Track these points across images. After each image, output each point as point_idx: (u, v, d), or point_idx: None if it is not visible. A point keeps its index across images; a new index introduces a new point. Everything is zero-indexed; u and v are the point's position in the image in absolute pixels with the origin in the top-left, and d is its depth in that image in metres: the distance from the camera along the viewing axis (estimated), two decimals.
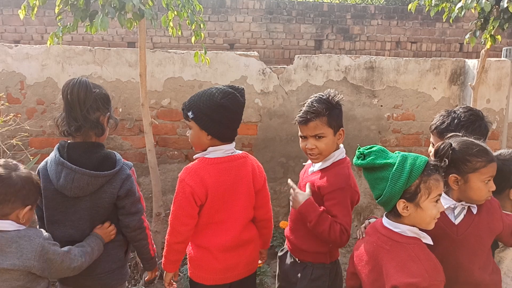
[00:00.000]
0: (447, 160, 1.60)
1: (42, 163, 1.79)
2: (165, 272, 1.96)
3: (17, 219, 1.62)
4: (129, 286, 3.12)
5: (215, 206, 1.85)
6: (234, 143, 1.93)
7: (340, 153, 1.96)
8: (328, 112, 1.89)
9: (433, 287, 1.44)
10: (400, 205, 1.52)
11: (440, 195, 1.54)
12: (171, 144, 3.81)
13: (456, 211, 1.72)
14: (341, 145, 2.00)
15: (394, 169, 1.51)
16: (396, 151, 1.61)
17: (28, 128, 3.33)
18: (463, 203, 1.72)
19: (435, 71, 3.92)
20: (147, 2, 2.73)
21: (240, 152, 1.95)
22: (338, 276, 2.03)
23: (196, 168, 1.84)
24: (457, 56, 6.22)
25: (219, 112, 1.81)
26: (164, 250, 1.91)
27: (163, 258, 1.93)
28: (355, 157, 1.62)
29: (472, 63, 3.85)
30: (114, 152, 1.86)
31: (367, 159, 1.57)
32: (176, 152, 3.83)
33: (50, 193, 1.75)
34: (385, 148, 1.60)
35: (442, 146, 1.67)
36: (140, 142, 3.72)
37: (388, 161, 1.54)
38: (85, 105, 1.72)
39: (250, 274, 2.00)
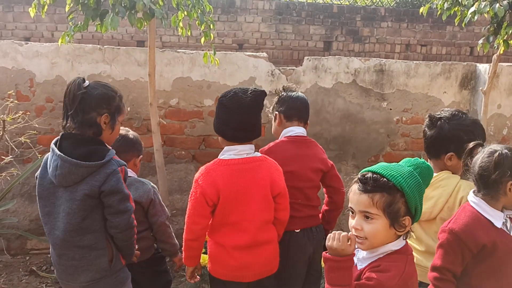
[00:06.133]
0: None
1: (47, 154, 1.83)
2: (186, 266, 2.02)
3: (133, 166, 2.28)
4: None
5: (227, 207, 1.86)
6: (252, 145, 1.93)
7: None
8: None
9: None
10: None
11: None
12: (178, 144, 3.81)
13: (508, 225, 1.66)
14: None
15: None
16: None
17: (37, 126, 3.34)
18: (507, 213, 1.67)
19: (445, 75, 3.89)
20: (158, 2, 2.73)
21: (258, 154, 1.95)
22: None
23: (209, 169, 1.87)
24: (467, 60, 6.16)
25: (220, 110, 1.90)
26: (183, 246, 1.96)
27: (183, 253, 1.98)
28: None
29: (484, 68, 3.81)
30: (110, 148, 1.81)
31: None
32: (183, 152, 3.83)
33: (45, 182, 1.77)
34: None
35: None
36: (147, 141, 3.72)
37: None
38: (73, 105, 1.73)
39: (268, 275, 1.98)
